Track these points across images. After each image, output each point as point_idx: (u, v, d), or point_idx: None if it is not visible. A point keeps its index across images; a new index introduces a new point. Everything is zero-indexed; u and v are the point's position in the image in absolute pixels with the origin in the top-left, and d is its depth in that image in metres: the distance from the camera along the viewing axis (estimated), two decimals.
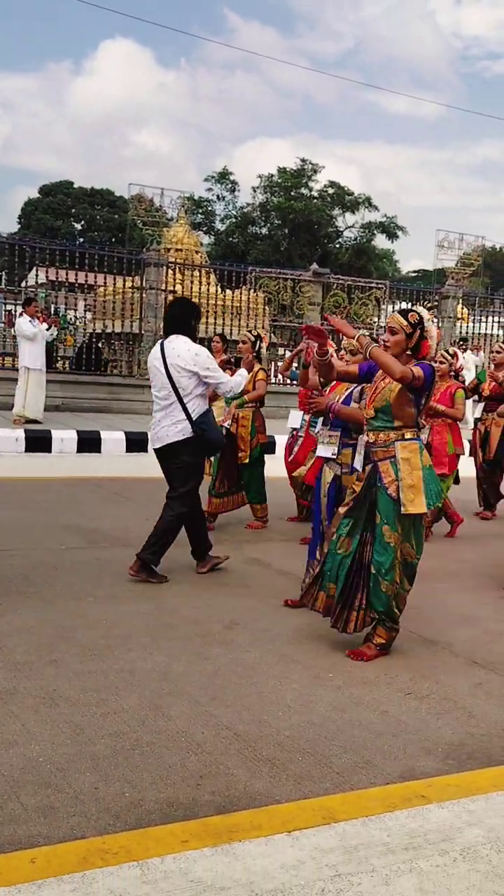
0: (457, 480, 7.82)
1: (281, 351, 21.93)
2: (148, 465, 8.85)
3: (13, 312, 20.49)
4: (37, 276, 21.63)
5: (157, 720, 3.51)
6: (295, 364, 7.00)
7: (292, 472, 7.39)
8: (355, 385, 5.02)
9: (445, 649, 4.68)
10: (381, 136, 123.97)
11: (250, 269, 19.60)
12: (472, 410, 12.26)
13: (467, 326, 22.26)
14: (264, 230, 47.66)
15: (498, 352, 8.81)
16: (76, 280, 19.21)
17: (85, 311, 20.16)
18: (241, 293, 18.70)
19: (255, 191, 46.95)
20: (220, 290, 19.24)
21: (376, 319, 20.13)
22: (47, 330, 13.67)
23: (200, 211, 45.70)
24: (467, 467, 8.59)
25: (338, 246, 47.39)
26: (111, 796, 2.89)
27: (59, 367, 17.78)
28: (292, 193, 45.46)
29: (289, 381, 7.46)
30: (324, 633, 4.61)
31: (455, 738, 3.55)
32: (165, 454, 5.65)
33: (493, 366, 9.00)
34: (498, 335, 22.12)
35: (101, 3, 59.93)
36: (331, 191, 46.60)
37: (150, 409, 15.16)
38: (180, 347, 5.56)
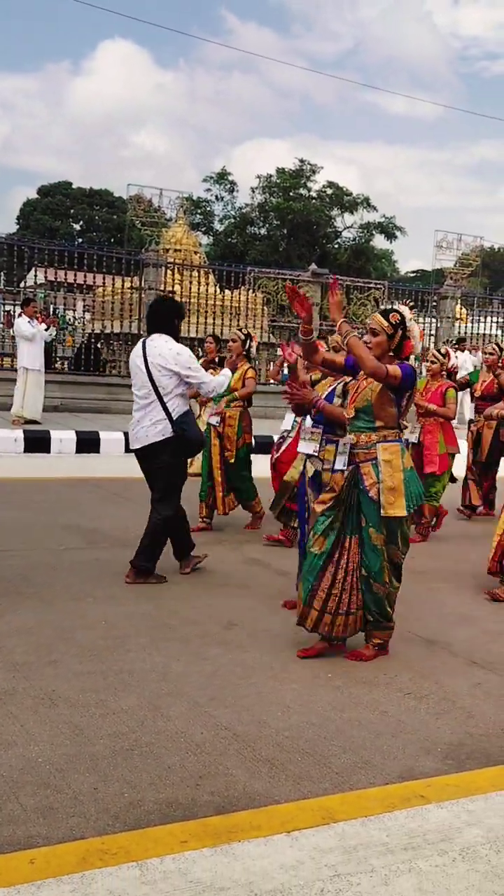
0: (453, 479, 7.82)
1: (280, 352, 21.91)
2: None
3: (12, 313, 20.49)
4: (35, 276, 21.63)
5: (156, 721, 3.51)
6: (284, 369, 6.99)
7: (283, 475, 7.27)
8: (339, 381, 5.01)
9: (444, 649, 4.69)
10: (380, 137, 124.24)
11: (249, 270, 19.63)
12: (469, 409, 12.23)
13: (466, 327, 22.27)
14: (263, 230, 47.69)
15: (490, 353, 8.78)
16: (75, 280, 19.20)
17: (84, 311, 20.18)
18: (239, 293, 18.72)
19: (253, 191, 47.03)
20: (218, 290, 19.25)
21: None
22: (46, 330, 13.67)
23: (199, 211, 45.72)
24: (462, 467, 8.57)
25: (336, 246, 47.42)
26: (110, 797, 2.89)
27: (57, 367, 17.79)
28: (291, 194, 45.50)
29: (281, 383, 7.45)
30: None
31: (454, 738, 3.55)
32: (146, 455, 5.59)
33: (484, 367, 8.95)
34: (496, 335, 22.14)
35: (99, 3, 60.03)
36: (329, 191, 46.63)
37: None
38: (162, 346, 5.51)
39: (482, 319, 22.86)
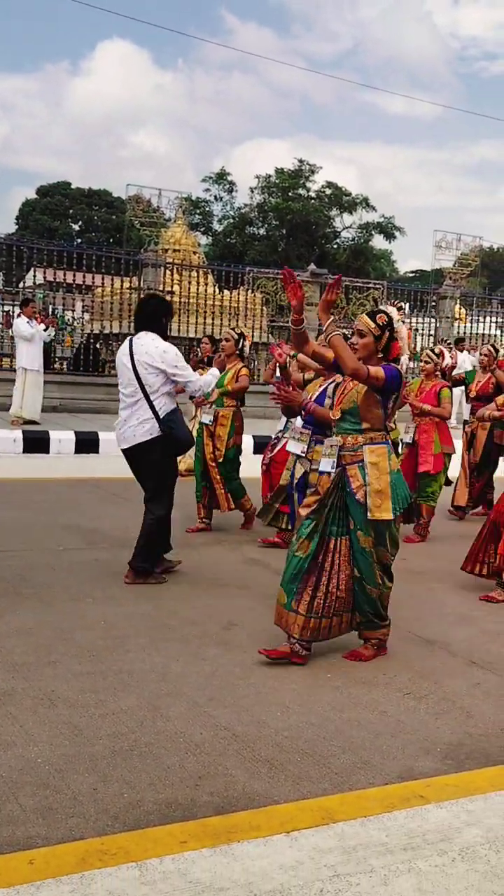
0: (448, 482, 7.81)
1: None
2: None
3: (11, 313, 20.48)
4: (34, 276, 21.63)
5: (155, 721, 3.51)
6: (278, 372, 6.98)
7: (277, 476, 7.20)
8: (330, 381, 4.99)
9: (444, 649, 4.69)
10: (379, 137, 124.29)
11: (248, 270, 19.63)
12: (466, 409, 12.21)
13: (465, 327, 22.28)
14: (262, 231, 47.70)
15: (486, 355, 8.75)
16: (74, 281, 19.19)
17: (83, 311, 20.18)
18: (238, 294, 18.72)
19: (252, 191, 47.04)
20: (217, 290, 19.25)
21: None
22: (45, 331, 13.66)
23: (198, 211, 45.73)
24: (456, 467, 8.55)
25: (335, 246, 47.43)
26: (110, 797, 2.89)
27: (56, 367, 17.78)
28: (290, 194, 45.51)
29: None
30: None
31: (453, 738, 3.55)
32: (134, 455, 5.55)
33: (480, 368, 8.94)
34: (496, 335, 22.15)
35: (98, 3, 59.96)
36: (328, 191, 46.65)
37: None
38: (148, 344, 5.47)
39: (481, 319, 22.87)
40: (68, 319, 21.36)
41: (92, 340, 18.23)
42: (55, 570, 5.71)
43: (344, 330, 4.29)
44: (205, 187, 47.05)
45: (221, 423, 7.15)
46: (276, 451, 7.15)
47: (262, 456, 7.46)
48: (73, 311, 20.74)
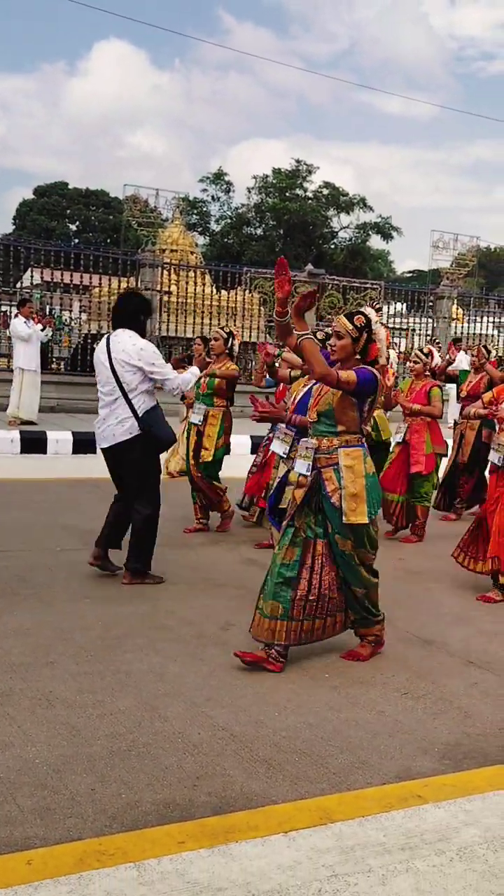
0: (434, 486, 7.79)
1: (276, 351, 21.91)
2: None
3: (8, 313, 20.48)
4: (32, 277, 21.57)
5: (153, 721, 3.52)
6: (267, 374, 6.97)
7: (268, 476, 7.16)
8: (314, 382, 4.96)
9: (441, 649, 4.69)
10: (376, 137, 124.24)
11: (245, 270, 19.62)
12: (456, 409, 12.20)
13: (462, 327, 22.31)
14: (259, 231, 47.72)
15: (476, 355, 8.74)
16: (71, 281, 19.17)
17: (80, 312, 20.15)
18: (236, 294, 18.72)
19: (249, 191, 47.04)
20: (215, 290, 19.25)
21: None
22: (42, 331, 13.65)
23: (195, 212, 45.72)
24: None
25: (333, 247, 47.44)
26: (107, 798, 2.89)
27: (54, 368, 17.76)
28: (287, 194, 45.53)
29: (267, 387, 7.40)
30: None
31: (451, 738, 3.56)
32: (114, 455, 5.51)
33: (472, 369, 8.94)
34: (493, 335, 22.18)
35: (95, 3, 59.93)
36: (325, 191, 46.68)
37: None
38: (126, 342, 5.42)
39: (478, 319, 22.89)
40: (65, 320, 21.32)
41: (89, 341, 18.20)
42: (53, 570, 5.71)
43: (327, 330, 4.21)
44: (202, 187, 47.10)
45: (211, 423, 7.12)
46: (270, 453, 7.16)
47: (239, 455, 7.41)
48: (71, 311, 20.68)
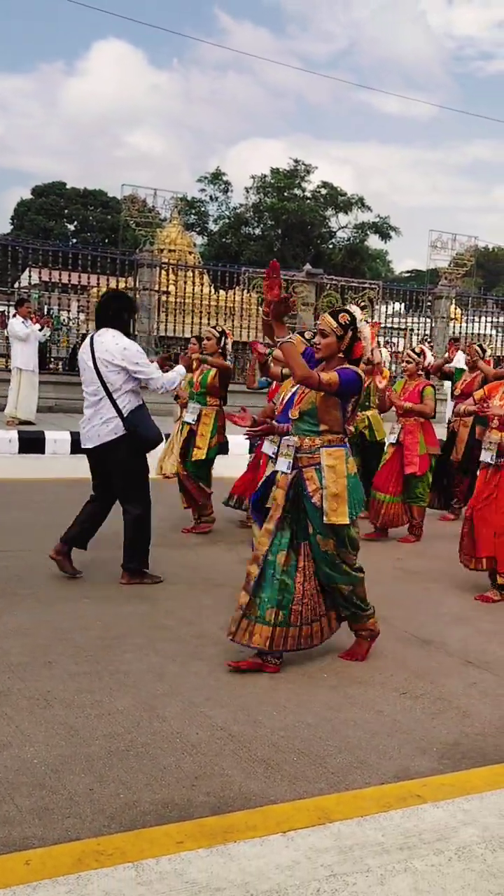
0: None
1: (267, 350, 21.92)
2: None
3: (6, 313, 20.46)
4: (30, 276, 21.55)
5: (151, 721, 3.51)
6: (258, 375, 6.97)
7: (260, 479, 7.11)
8: None
9: (440, 649, 4.69)
10: (374, 137, 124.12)
11: (243, 270, 19.62)
12: (450, 408, 12.18)
13: (460, 327, 22.32)
14: (257, 231, 47.72)
15: (470, 354, 8.73)
16: (69, 281, 19.20)
17: (78, 311, 20.13)
18: (234, 294, 18.72)
19: (248, 191, 47.04)
20: (213, 290, 19.26)
21: (369, 319, 20.17)
22: (40, 331, 13.65)
23: (193, 211, 45.74)
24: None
25: (331, 246, 47.45)
26: (106, 798, 2.89)
27: (52, 368, 17.76)
28: (285, 194, 45.53)
29: (260, 388, 7.41)
30: None
31: (450, 738, 3.56)
32: (99, 455, 5.46)
33: (467, 368, 8.93)
34: (491, 335, 22.19)
35: (93, 3, 59.89)
36: (324, 191, 46.69)
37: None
38: (109, 342, 5.37)
39: (477, 319, 22.90)
40: (63, 320, 21.30)
41: None
42: (52, 570, 5.70)
43: (290, 338, 4.06)
44: (200, 187, 47.09)
45: (204, 422, 7.11)
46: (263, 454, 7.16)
47: (228, 455, 7.41)
48: (69, 311, 20.67)
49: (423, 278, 40.87)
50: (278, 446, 5.01)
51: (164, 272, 18.02)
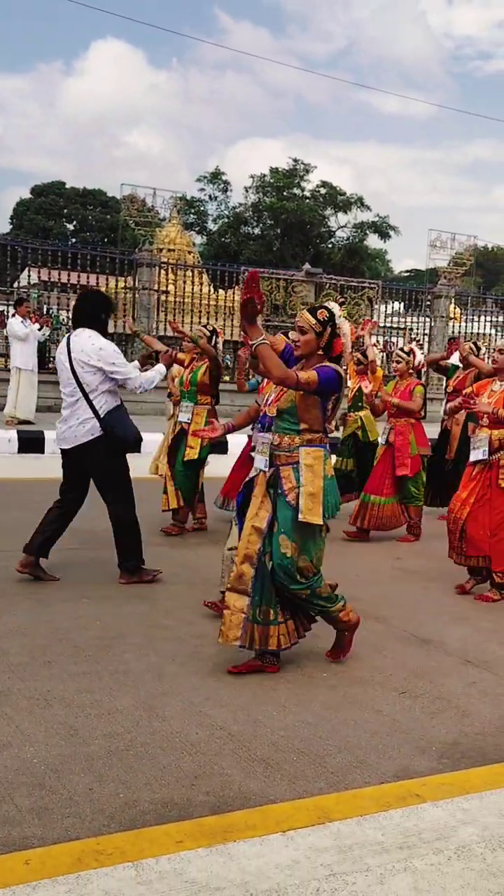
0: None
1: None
2: (140, 466, 8.84)
3: (5, 313, 20.44)
4: (29, 276, 21.52)
5: (151, 721, 3.51)
6: (250, 376, 6.95)
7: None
8: None
9: (439, 649, 4.69)
10: (374, 136, 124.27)
11: (243, 269, 19.60)
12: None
13: (460, 326, 22.32)
14: (256, 230, 47.65)
15: (463, 351, 8.70)
16: (68, 280, 19.18)
17: None
18: (233, 293, 18.70)
19: (247, 191, 46.96)
20: (212, 290, 19.26)
21: (374, 320, 20.17)
22: (39, 330, 13.65)
23: (192, 211, 45.65)
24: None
25: (330, 246, 47.40)
26: (105, 797, 2.89)
27: (51, 367, 17.71)
28: (284, 193, 45.46)
29: (251, 390, 7.41)
30: (317, 632, 4.60)
31: (449, 737, 3.56)
32: (76, 455, 5.43)
33: (461, 365, 8.91)
34: (490, 334, 22.18)
35: (92, 3, 59.83)
36: (323, 191, 46.62)
37: (143, 409, 15.04)
38: (85, 342, 5.35)
39: (476, 319, 22.90)
40: (63, 319, 21.28)
41: None
42: (51, 570, 5.70)
43: (264, 338, 3.95)
44: (199, 187, 46.98)
45: (195, 421, 7.05)
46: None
47: (221, 454, 7.40)
48: (68, 310, 20.65)
49: (422, 278, 40.87)
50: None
51: (163, 272, 18.01)
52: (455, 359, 9.83)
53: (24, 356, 13.14)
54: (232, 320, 17.96)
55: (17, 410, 12.95)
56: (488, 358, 9.84)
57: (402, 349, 7.91)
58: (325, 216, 46.92)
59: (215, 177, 46.71)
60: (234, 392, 11.47)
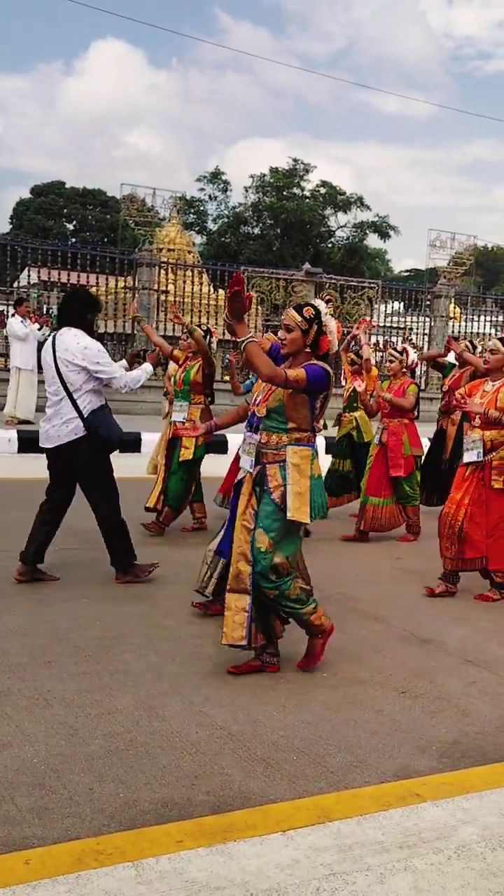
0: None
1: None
2: (140, 466, 8.84)
3: (5, 313, 20.44)
4: (29, 276, 21.53)
5: (151, 720, 3.51)
6: (243, 377, 6.96)
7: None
8: None
9: (439, 648, 4.69)
10: (374, 136, 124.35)
11: (243, 269, 19.61)
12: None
13: (459, 326, 22.32)
14: (256, 230, 47.64)
15: (458, 350, 8.69)
16: (68, 280, 19.16)
17: None
18: None
19: (247, 191, 46.94)
20: (212, 289, 19.26)
21: (368, 319, 20.17)
22: (39, 330, 13.65)
23: (192, 211, 45.63)
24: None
25: (330, 246, 47.39)
26: (105, 797, 2.89)
27: None
28: (284, 193, 45.45)
29: (246, 392, 7.42)
30: None
31: (449, 737, 3.56)
32: (60, 455, 5.40)
33: (457, 363, 8.90)
34: (490, 334, 22.17)
35: (92, 3, 59.84)
36: (323, 190, 46.61)
37: (143, 409, 15.03)
38: (69, 341, 5.32)
39: (476, 318, 22.90)
40: None
41: None
42: (51, 570, 5.70)
43: (253, 336, 3.95)
44: (199, 187, 46.95)
45: (190, 420, 7.07)
46: None
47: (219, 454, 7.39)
48: None
49: (422, 277, 40.88)
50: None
51: (163, 271, 18.02)
52: (452, 357, 9.83)
53: (23, 356, 13.14)
54: None
55: (17, 410, 12.95)
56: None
57: (395, 348, 7.91)
58: (324, 216, 46.90)
59: (215, 177, 46.69)
60: (233, 392, 11.47)
